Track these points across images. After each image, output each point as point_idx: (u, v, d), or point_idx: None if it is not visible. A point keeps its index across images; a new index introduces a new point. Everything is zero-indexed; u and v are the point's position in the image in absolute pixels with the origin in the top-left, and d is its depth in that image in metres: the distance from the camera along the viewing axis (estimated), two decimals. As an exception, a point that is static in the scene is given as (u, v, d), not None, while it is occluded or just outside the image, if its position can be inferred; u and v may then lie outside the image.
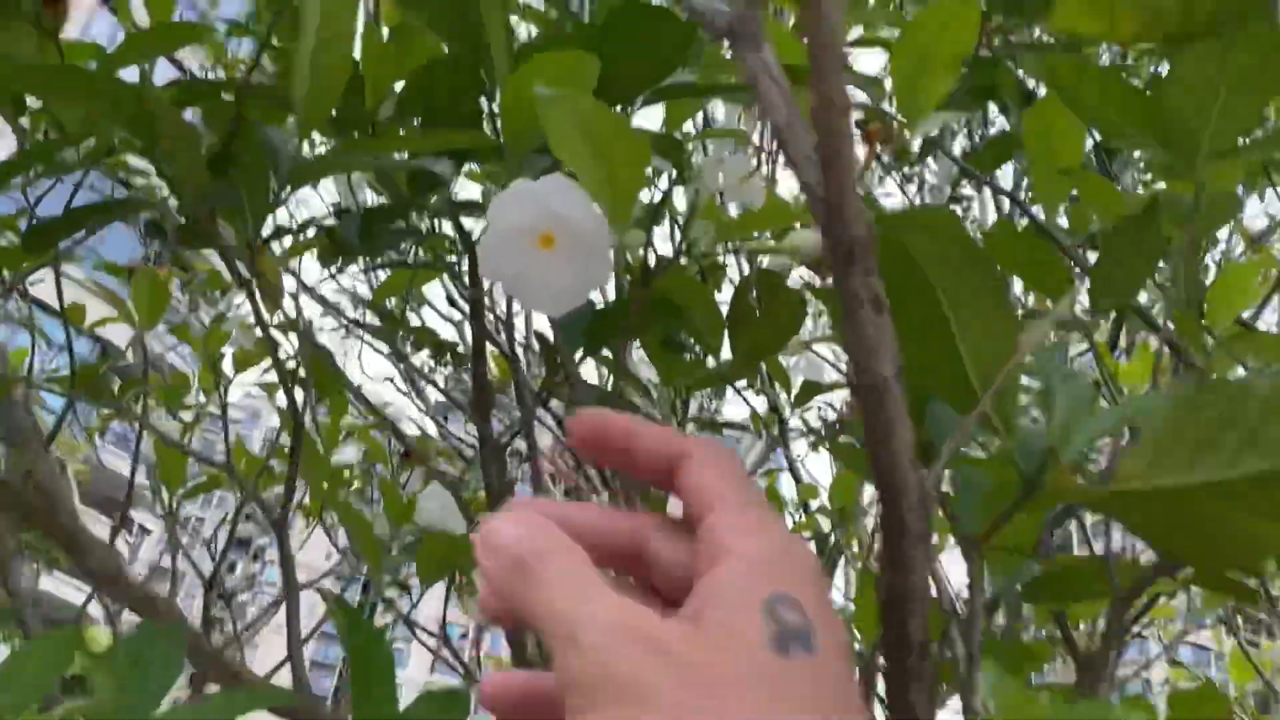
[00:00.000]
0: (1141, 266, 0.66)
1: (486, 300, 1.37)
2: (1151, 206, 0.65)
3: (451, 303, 1.93)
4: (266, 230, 0.75)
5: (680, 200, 0.63)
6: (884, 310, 0.33)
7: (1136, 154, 1.30)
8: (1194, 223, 0.65)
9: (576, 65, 0.59)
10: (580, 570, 0.28)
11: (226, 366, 1.48)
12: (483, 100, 0.79)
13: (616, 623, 0.26)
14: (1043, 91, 1.17)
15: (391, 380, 1.88)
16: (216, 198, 0.64)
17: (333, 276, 0.89)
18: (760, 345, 0.69)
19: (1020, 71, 1.11)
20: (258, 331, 1.18)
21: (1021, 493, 0.38)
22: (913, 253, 0.36)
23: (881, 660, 0.36)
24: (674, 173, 0.71)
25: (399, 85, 0.80)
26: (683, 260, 0.56)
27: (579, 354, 0.73)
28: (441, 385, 2.28)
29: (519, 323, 1.57)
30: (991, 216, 1.96)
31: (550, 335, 1.06)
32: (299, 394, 1.33)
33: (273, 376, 1.56)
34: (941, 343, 0.37)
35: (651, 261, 0.61)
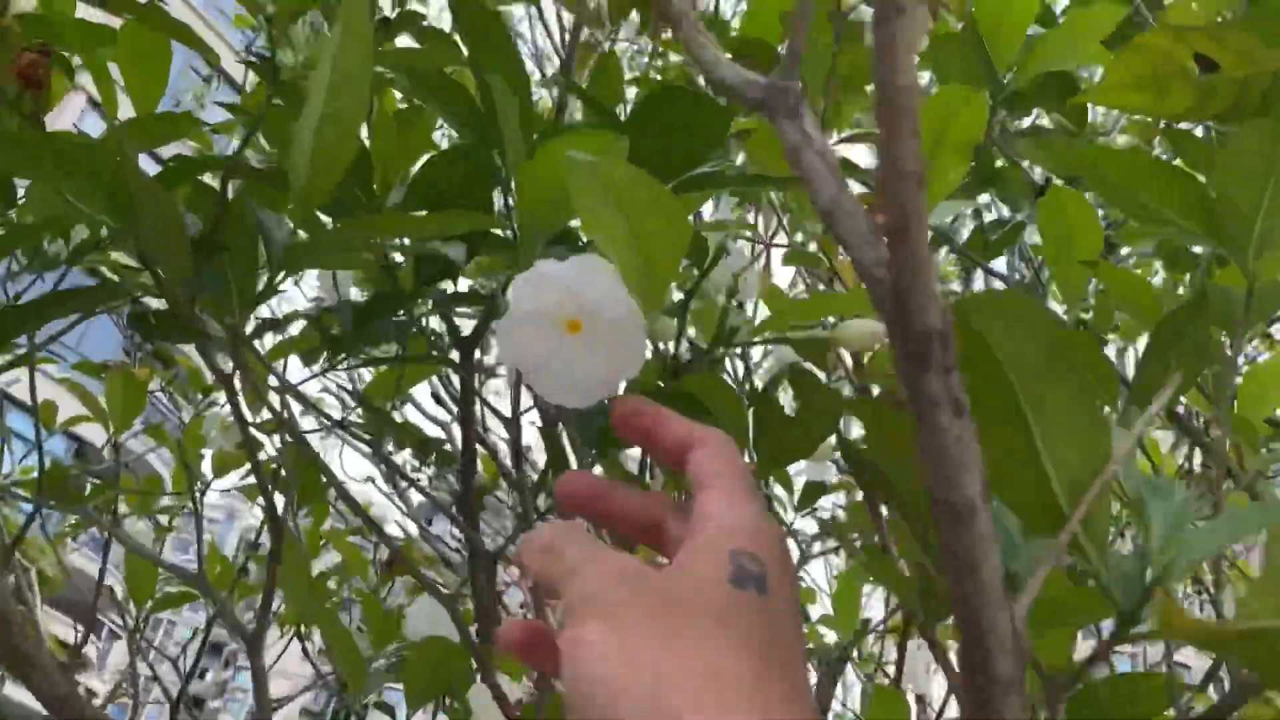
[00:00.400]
0: (1192, 367, 0.61)
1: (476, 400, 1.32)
2: (1200, 301, 0.61)
3: (438, 400, 1.87)
4: (250, 324, 0.71)
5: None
6: (966, 415, 0.28)
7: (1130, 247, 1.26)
8: (1245, 318, 0.61)
9: (604, 146, 0.55)
10: (593, 544, 0.35)
11: (205, 468, 1.42)
12: (495, 194, 0.75)
13: (609, 562, 0.34)
14: (1051, 182, 1.15)
15: (372, 480, 1.82)
16: (201, 284, 0.59)
17: (322, 374, 0.84)
18: (788, 450, 0.64)
19: (1025, 161, 1.09)
20: (238, 431, 1.13)
21: (1116, 630, 0.33)
22: (990, 344, 0.31)
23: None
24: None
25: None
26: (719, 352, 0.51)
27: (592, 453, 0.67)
28: (426, 486, 2.22)
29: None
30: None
31: (550, 431, 1.00)
32: (279, 498, 1.26)
33: (251, 479, 1.49)
34: (1019, 449, 0.32)
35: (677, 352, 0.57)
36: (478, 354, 1.09)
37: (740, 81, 0.37)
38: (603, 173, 0.39)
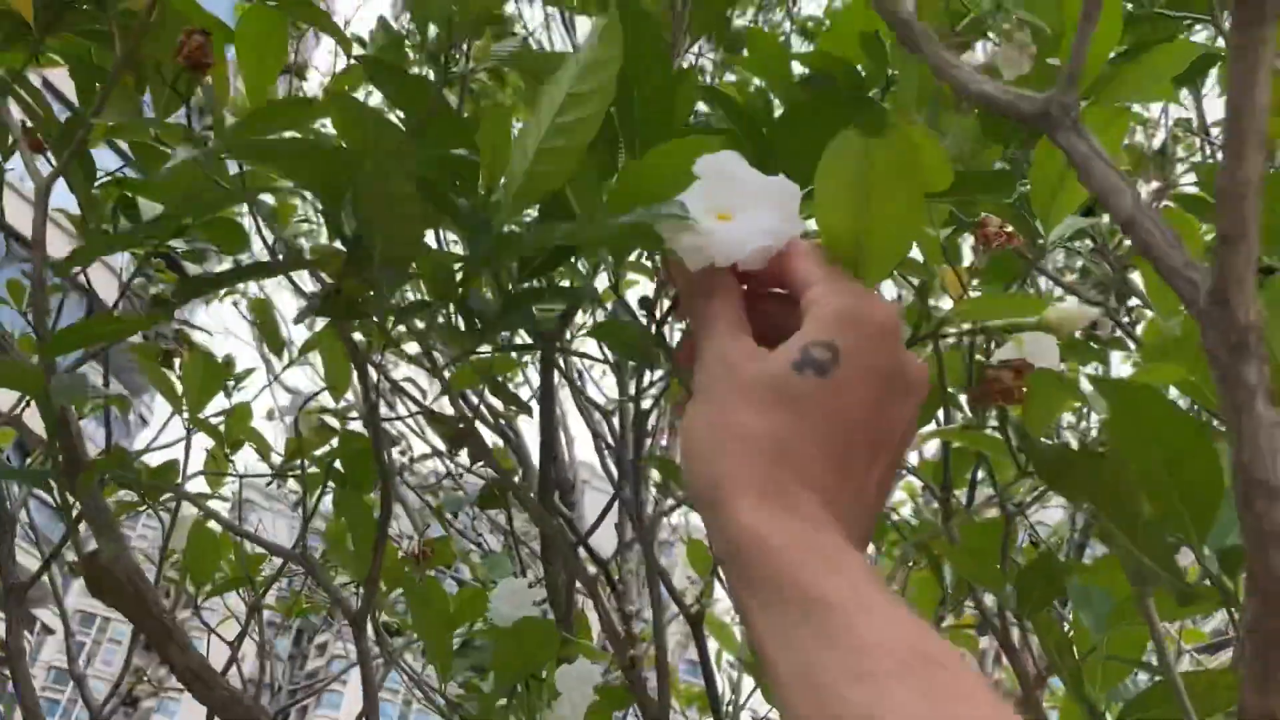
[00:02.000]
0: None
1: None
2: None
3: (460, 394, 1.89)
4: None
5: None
6: (1276, 407, 0.32)
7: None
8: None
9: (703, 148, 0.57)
10: (719, 329, 0.40)
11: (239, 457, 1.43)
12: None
13: (718, 350, 0.40)
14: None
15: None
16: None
17: (446, 366, 0.85)
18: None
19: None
20: (319, 419, 1.14)
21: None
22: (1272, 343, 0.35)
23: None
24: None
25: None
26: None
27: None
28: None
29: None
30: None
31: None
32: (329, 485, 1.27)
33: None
34: None
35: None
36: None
37: (1011, 98, 0.40)
38: (868, 153, 0.42)
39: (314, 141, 0.54)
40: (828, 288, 0.40)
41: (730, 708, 1.39)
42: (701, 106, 1.12)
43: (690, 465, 0.38)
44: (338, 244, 0.55)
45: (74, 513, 0.71)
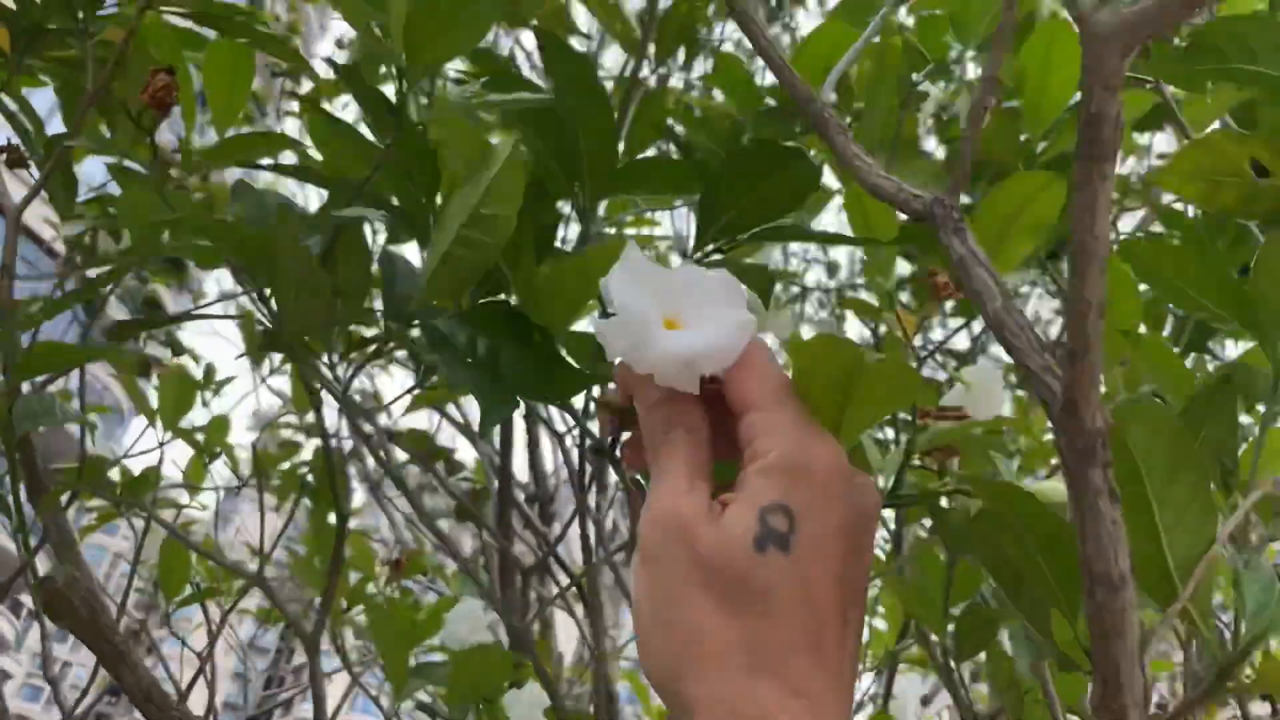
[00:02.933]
0: (1222, 442, 0.67)
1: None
2: (1226, 381, 0.67)
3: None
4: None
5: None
6: (1119, 504, 0.34)
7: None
8: (1274, 395, 0.67)
9: (680, 182, 0.58)
10: (678, 454, 0.38)
11: (216, 469, 1.45)
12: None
13: (663, 508, 0.36)
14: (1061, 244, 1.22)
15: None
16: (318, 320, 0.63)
17: (415, 390, 0.87)
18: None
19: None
20: (283, 434, 1.16)
21: (1214, 679, 0.38)
22: (1128, 443, 0.37)
23: None
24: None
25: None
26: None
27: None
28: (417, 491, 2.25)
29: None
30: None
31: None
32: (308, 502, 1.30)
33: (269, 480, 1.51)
34: (1144, 531, 0.38)
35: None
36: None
37: (901, 195, 0.42)
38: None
39: (235, 225, 0.57)
40: (770, 421, 0.37)
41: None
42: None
43: (650, 665, 0.35)
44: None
45: (30, 534, 0.73)
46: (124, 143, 0.78)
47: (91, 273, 1.30)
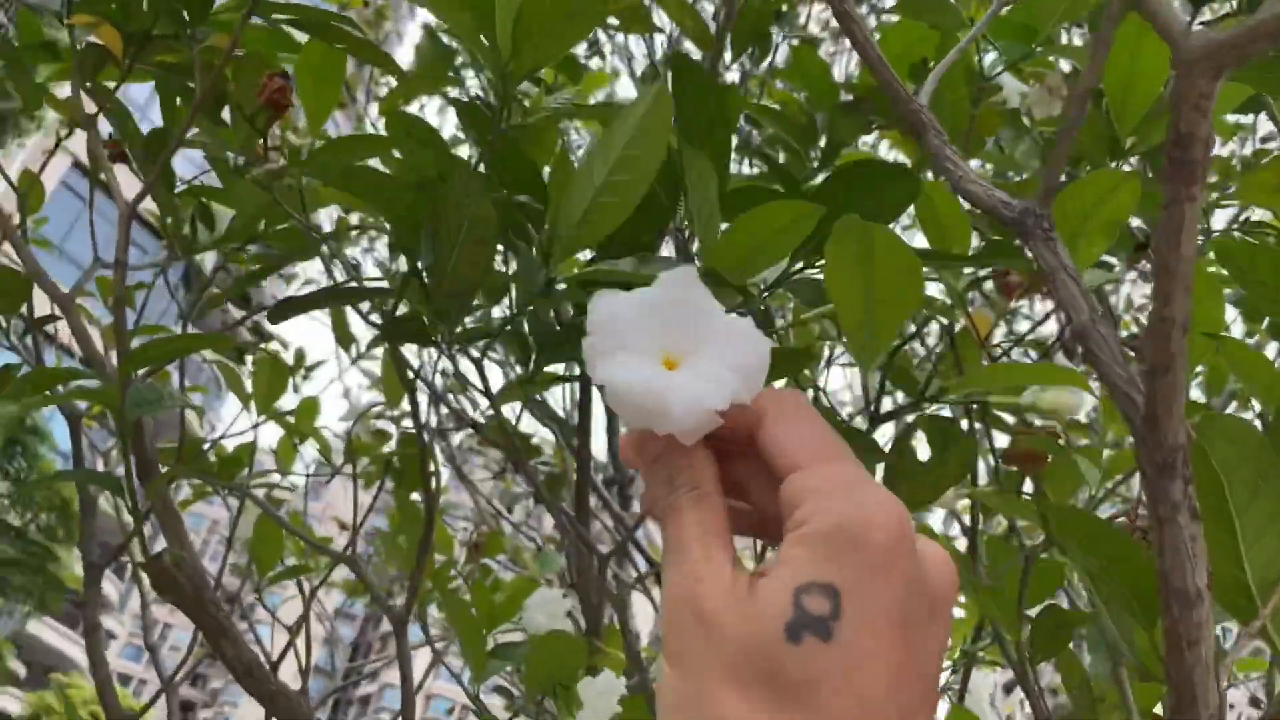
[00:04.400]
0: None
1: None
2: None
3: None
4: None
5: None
6: (1198, 520, 0.34)
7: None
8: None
9: (798, 214, 0.60)
10: (692, 523, 0.32)
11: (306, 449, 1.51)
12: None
13: (679, 593, 0.31)
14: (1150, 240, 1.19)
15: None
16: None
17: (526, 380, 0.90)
18: (919, 496, 0.70)
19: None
20: (375, 424, 1.20)
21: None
22: (1211, 458, 0.37)
23: None
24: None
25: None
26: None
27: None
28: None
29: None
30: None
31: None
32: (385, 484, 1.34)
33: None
34: (1225, 547, 0.38)
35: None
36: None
37: (994, 202, 0.43)
38: (867, 237, 0.45)
39: (391, 175, 0.59)
40: (816, 482, 0.31)
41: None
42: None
43: None
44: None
45: (141, 512, 0.77)
46: (236, 139, 0.82)
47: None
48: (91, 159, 0.89)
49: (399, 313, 0.65)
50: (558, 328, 0.77)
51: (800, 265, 0.67)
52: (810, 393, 0.83)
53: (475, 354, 0.79)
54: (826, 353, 1.37)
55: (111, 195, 0.93)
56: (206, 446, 1.23)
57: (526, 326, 0.76)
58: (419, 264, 0.67)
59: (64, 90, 1.01)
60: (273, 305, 0.68)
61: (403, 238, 0.65)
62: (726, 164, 0.67)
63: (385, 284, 0.83)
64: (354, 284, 0.82)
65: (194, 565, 0.77)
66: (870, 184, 0.63)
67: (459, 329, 0.68)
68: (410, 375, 0.81)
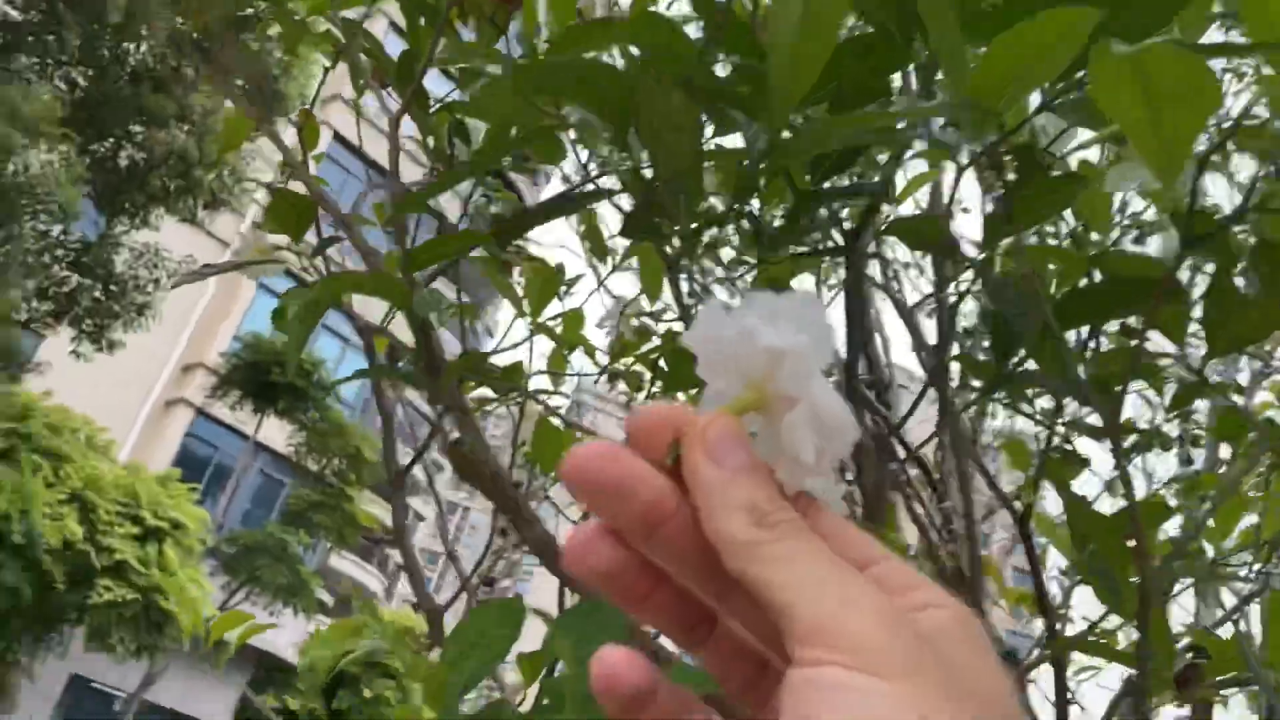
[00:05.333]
0: None
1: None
2: None
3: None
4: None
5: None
6: None
7: None
8: None
9: (1070, 25, 0.54)
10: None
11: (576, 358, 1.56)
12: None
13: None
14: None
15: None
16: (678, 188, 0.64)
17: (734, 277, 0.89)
18: (1244, 335, 0.63)
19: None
20: (635, 321, 1.22)
21: None
22: None
23: None
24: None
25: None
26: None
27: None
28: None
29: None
30: None
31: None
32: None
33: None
34: None
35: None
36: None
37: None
38: (1134, 62, 0.40)
39: (592, 63, 0.59)
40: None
41: (1062, 611, 1.36)
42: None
43: None
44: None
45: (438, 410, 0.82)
46: (480, 47, 0.84)
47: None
48: (353, 74, 0.94)
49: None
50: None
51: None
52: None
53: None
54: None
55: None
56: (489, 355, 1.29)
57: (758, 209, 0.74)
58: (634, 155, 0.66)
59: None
60: (491, 228, 0.69)
61: (614, 127, 0.64)
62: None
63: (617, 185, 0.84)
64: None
65: (489, 451, 0.82)
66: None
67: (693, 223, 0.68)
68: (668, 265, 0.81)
